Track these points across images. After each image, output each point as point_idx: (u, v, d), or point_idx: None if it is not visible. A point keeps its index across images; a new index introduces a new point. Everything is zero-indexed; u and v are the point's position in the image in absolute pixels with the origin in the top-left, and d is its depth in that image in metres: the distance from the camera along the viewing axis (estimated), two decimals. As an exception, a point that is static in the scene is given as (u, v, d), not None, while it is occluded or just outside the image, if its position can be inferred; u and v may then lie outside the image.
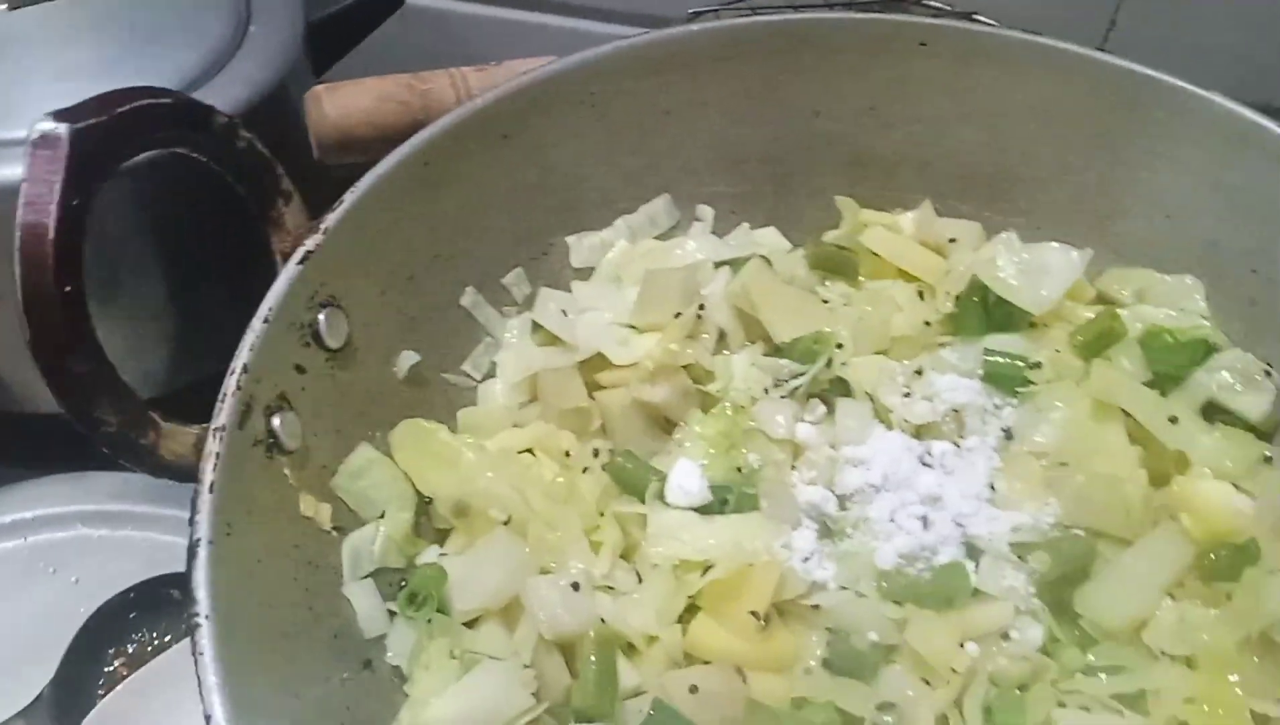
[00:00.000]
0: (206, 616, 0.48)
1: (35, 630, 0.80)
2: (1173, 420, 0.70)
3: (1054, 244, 0.77)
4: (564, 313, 0.76)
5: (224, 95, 0.85)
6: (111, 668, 0.81)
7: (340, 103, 0.89)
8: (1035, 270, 0.76)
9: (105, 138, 0.49)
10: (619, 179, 0.81)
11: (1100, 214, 0.80)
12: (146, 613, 0.83)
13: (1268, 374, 0.72)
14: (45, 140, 0.47)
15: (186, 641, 0.71)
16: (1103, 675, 0.62)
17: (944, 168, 0.83)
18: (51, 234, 0.47)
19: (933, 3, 1.17)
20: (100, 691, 0.80)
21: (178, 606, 0.81)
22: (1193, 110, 0.75)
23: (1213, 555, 0.64)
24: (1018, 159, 0.81)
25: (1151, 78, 0.76)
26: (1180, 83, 0.75)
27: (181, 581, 0.81)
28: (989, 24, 1.10)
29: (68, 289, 0.47)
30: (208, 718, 0.46)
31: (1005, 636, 0.63)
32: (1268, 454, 0.70)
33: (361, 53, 1.11)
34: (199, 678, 0.47)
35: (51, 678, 0.77)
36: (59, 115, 0.48)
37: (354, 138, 0.89)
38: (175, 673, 0.75)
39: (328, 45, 1.06)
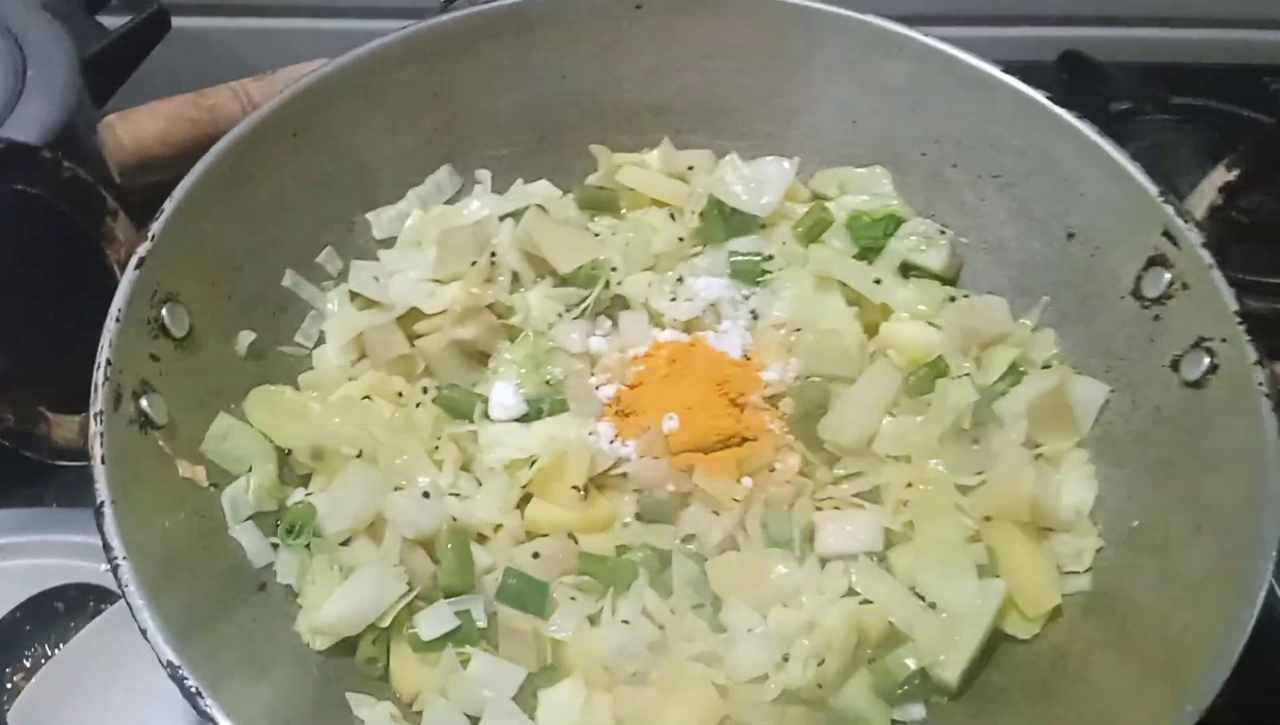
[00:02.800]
0: (124, 557, 0.59)
1: (-71, 665, 0.83)
2: (877, 282, 0.88)
3: (769, 158, 0.94)
4: (375, 278, 0.87)
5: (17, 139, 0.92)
6: (12, 684, 0.86)
7: (134, 129, 0.95)
8: (757, 182, 0.92)
9: (-45, 183, 0.58)
10: (403, 157, 0.91)
11: (802, 127, 0.96)
12: (36, 627, 0.87)
13: (942, 233, 0.91)
14: (-94, 192, 0.56)
15: (84, 632, 0.81)
16: (846, 484, 0.80)
17: (674, 108, 0.97)
18: (-71, 271, 0.55)
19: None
20: (6, 707, 0.85)
21: (64, 617, 0.88)
22: (854, 30, 0.91)
23: (913, 376, 0.82)
24: (730, 92, 0.96)
25: (816, 9, 0.91)
26: (839, 10, 0.91)
27: (63, 593, 0.90)
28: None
29: (-49, 315, 0.56)
30: (144, 630, 0.57)
31: (771, 468, 0.80)
32: (951, 295, 0.89)
33: (137, 79, 1.17)
34: (129, 604, 0.57)
35: (-39, 701, 0.80)
36: (-87, 170, 0.57)
37: (152, 158, 0.95)
38: (76, 665, 0.84)
39: (104, 77, 1.10)
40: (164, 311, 0.72)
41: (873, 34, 0.91)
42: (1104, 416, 0.80)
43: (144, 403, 0.68)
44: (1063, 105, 0.85)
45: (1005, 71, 0.88)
